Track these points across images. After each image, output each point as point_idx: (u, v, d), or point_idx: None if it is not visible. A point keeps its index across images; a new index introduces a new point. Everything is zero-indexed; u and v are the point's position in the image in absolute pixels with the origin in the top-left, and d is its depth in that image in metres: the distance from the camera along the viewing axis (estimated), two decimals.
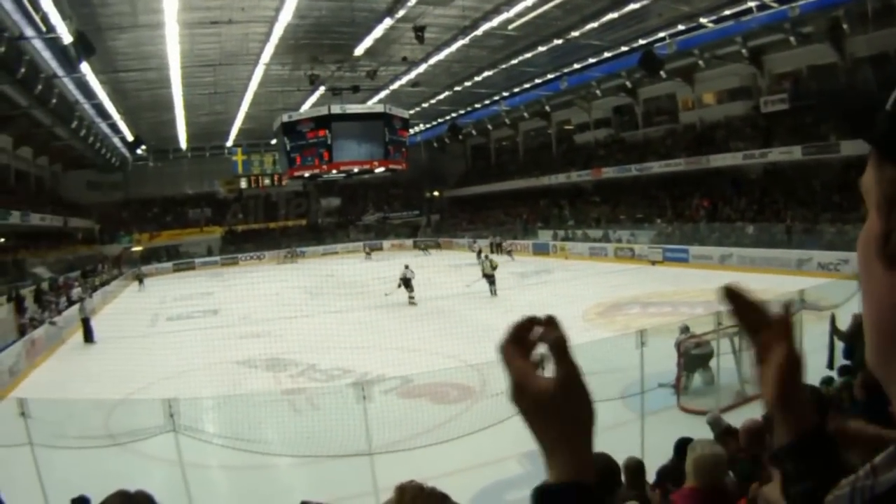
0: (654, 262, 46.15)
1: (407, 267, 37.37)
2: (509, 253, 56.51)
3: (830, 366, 13.87)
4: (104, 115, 55.66)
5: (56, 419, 14.19)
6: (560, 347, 1.40)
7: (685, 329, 18.07)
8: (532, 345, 1.44)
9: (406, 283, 36.98)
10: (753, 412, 8.96)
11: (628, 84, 57.16)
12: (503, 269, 40.00)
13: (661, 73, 48.73)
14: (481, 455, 14.49)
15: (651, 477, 8.97)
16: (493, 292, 36.91)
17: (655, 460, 9.45)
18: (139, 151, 71.26)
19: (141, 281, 48.45)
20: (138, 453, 14.61)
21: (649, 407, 14.25)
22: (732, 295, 1.67)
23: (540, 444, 1.44)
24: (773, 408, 1.60)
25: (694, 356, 17.66)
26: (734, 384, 16.77)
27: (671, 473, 8.34)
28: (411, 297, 36.55)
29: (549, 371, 1.41)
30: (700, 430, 9.17)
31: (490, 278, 37.52)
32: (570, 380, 1.40)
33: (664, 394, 16.58)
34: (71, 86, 46.30)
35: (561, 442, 1.41)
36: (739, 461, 6.79)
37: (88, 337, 33.84)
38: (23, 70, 38.03)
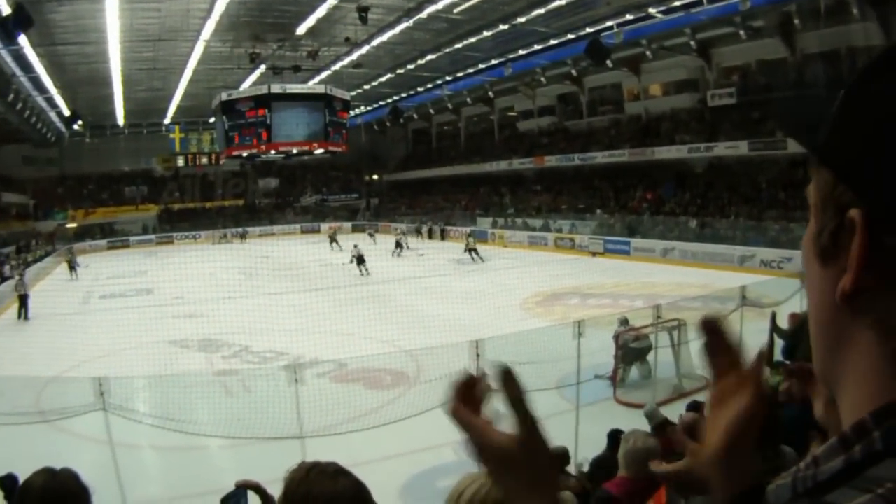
0: (594, 254, 46.00)
1: (356, 246, 38.88)
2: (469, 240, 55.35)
3: (769, 363, 13.79)
4: (41, 88, 54.78)
5: None
6: (519, 403, 1.34)
7: (624, 321, 18.04)
8: (480, 399, 1.40)
9: (360, 259, 38.81)
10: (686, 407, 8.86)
11: (574, 72, 56.84)
12: (440, 255, 39.95)
13: (608, 62, 48.56)
14: (415, 442, 14.43)
15: (585, 467, 9.21)
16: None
17: (589, 451, 9.65)
18: (76, 126, 70.34)
19: (73, 268, 47.05)
20: (68, 432, 14.55)
21: (585, 398, 14.27)
22: (710, 329, 1.45)
23: (506, 495, 1.38)
24: (715, 458, 1.43)
25: (632, 349, 17.58)
26: (671, 378, 16.73)
27: (604, 463, 8.38)
28: (364, 270, 38.67)
29: (504, 425, 1.37)
30: (634, 423, 8.95)
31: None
32: (531, 434, 1.35)
33: (600, 385, 16.56)
34: (8, 58, 45.44)
35: (524, 493, 1.36)
36: (673, 455, 6.58)
37: (24, 314, 33.24)
38: None
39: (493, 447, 1.34)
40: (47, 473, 3.09)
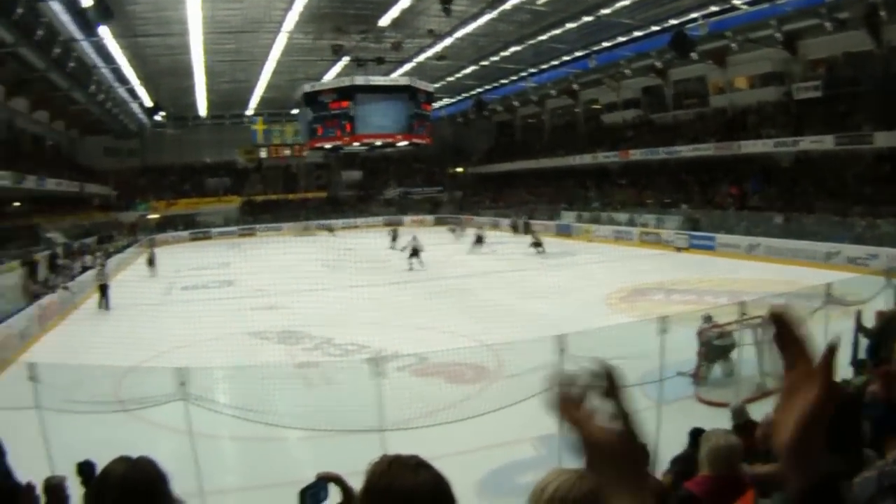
0: (679, 249, 45.33)
1: (414, 238, 38.08)
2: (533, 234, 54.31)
3: (853, 363, 13.42)
4: (123, 80, 55.70)
5: (65, 384, 14.08)
6: (618, 398, 1.51)
7: (708, 318, 17.73)
8: (581, 395, 1.52)
9: (414, 252, 38.29)
10: (772, 407, 8.57)
11: (658, 65, 56.32)
12: (524, 249, 39.76)
13: (693, 54, 47.94)
14: (494, 437, 14.33)
15: (664, 465, 8.79)
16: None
17: (670, 449, 9.27)
18: (158, 118, 71.43)
19: (152, 263, 47.02)
20: (147, 421, 14.58)
21: (667, 396, 13.96)
22: (779, 321, 1.53)
23: (604, 489, 1.50)
24: (786, 451, 1.46)
25: (715, 346, 17.28)
26: (754, 377, 16.29)
27: (685, 462, 8.21)
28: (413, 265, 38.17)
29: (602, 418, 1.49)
30: (716, 422, 8.72)
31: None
32: (628, 427, 1.48)
33: (682, 383, 16.20)
34: (89, 50, 46.15)
35: (620, 483, 1.47)
36: (755, 454, 6.42)
37: (105, 304, 33.55)
38: (40, 32, 37.82)
39: (594, 439, 1.48)
40: (126, 461, 3.04)
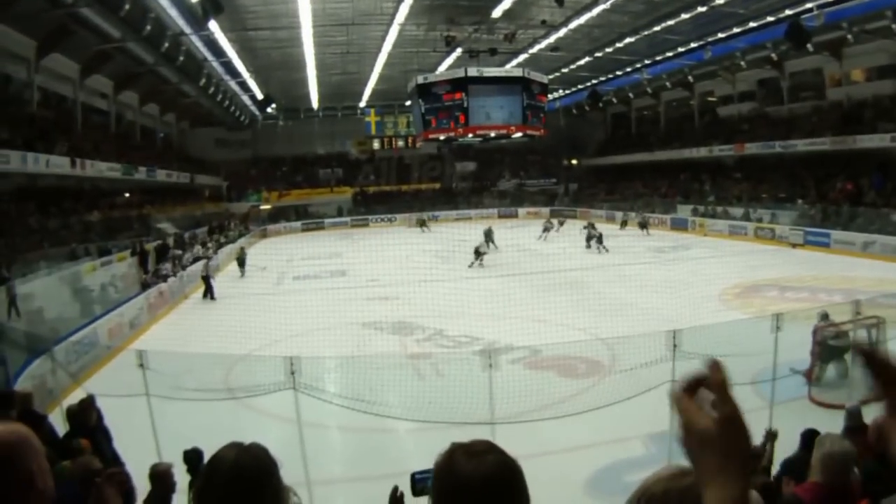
0: (794, 245, 44.54)
1: (489, 231, 38.38)
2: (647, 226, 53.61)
3: None
4: (233, 73, 56.39)
5: (174, 372, 14.58)
6: (721, 389, 1.56)
7: (825, 316, 17.34)
8: (691, 386, 1.61)
9: (477, 252, 37.90)
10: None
11: (774, 56, 55.11)
12: (640, 244, 39.43)
13: (808, 46, 46.96)
14: (605, 433, 14.44)
15: (775, 468, 8.81)
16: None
17: (781, 450, 9.28)
18: (269, 110, 72.21)
19: (242, 264, 46.06)
20: (255, 409, 14.90)
21: (779, 395, 13.75)
22: (866, 354, 1.71)
23: (700, 477, 1.55)
24: None
25: (831, 346, 16.81)
26: (868, 379, 15.88)
27: (796, 465, 7.90)
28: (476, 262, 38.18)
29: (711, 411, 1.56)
30: (829, 424, 8.59)
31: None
32: (731, 419, 1.52)
33: (795, 383, 15.93)
34: (199, 43, 46.81)
35: (720, 475, 1.51)
36: (865, 459, 6.27)
37: (209, 294, 34.27)
38: (148, 27, 38.47)
39: (696, 427, 1.55)
40: (238, 447, 3.04)
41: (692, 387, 1.62)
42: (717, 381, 1.57)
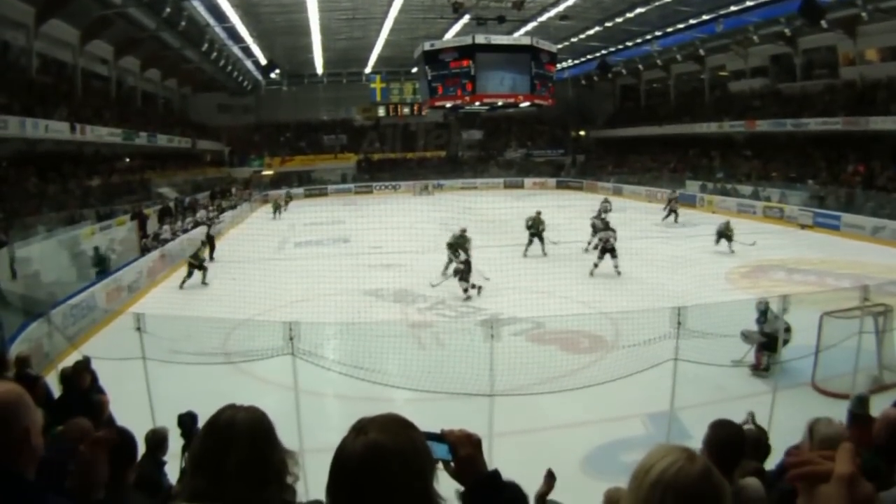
0: (803, 227, 44.03)
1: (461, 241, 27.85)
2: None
3: None
4: (236, 38, 56.42)
5: (172, 336, 14.47)
6: (848, 454, 1.65)
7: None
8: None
9: (461, 272, 26.22)
10: (888, 402, 8.14)
11: (787, 32, 54.49)
12: (647, 218, 39.24)
13: (822, 22, 46.51)
14: (605, 410, 14.45)
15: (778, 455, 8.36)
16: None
17: (785, 439, 8.78)
18: (273, 75, 72.07)
19: (278, 209, 47.14)
20: (252, 375, 15.17)
21: (783, 382, 13.89)
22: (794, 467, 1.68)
23: None
24: None
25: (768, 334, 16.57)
26: (872, 369, 15.76)
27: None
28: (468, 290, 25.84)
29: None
30: (833, 412, 8.22)
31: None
32: (846, 479, 1.60)
33: (800, 370, 15.66)
34: (201, 8, 46.73)
35: None
36: (864, 450, 6.05)
37: (211, 255, 34.45)
38: None
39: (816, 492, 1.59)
40: (235, 409, 3.03)
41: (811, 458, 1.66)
42: (847, 448, 1.65)
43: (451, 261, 26.49)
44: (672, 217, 44.29)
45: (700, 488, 2.11)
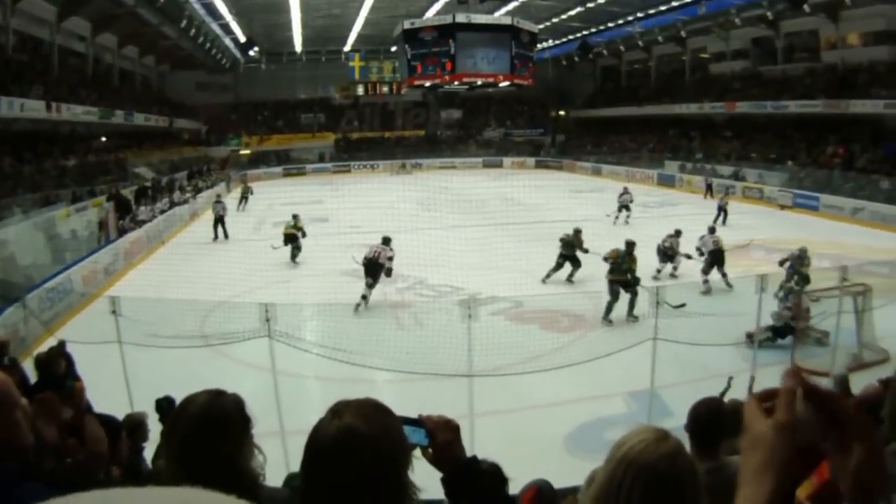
0: (782, 207, 44.42)
1: (385, 247, 24.05)
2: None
3: None
4: (215, 14, 56.13)
5: (149, 319, 14.39)
6: (787, 397, 1.57)
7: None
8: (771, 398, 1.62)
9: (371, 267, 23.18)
10: (868, 379, 8.14)
11: (769, 15, 54.67)
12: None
13: (805, 6, 46.61)
14: (586, 389, 14.51)
15: None
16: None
17: None
18: (251, 53, 71.63)
19: (244, 199, 45.91)
20: (231, 358, 15.04)
21: (762, 359, 14.05)
22: (812, 393, 1.62)
23: (741, 476, 1.56)
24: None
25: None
26: (852, 347, 15.93)
27: None
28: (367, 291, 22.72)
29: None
30: None
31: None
32: (783, 427, 1.53)
33: (780, 347, 16.00)
34: None
35: (757, 477, 1.52)
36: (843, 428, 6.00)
37: (223, 234, 34.88)
38: None
39: (752, 427, 1.55)
40: (212, 394, 3.02)
41: (766, 396, 1.62)
42: (786, 388, 1.58)
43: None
44: (721, 217, 37.85)
45: (661, 469, 2.15)
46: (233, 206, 40.84)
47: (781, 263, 19.97)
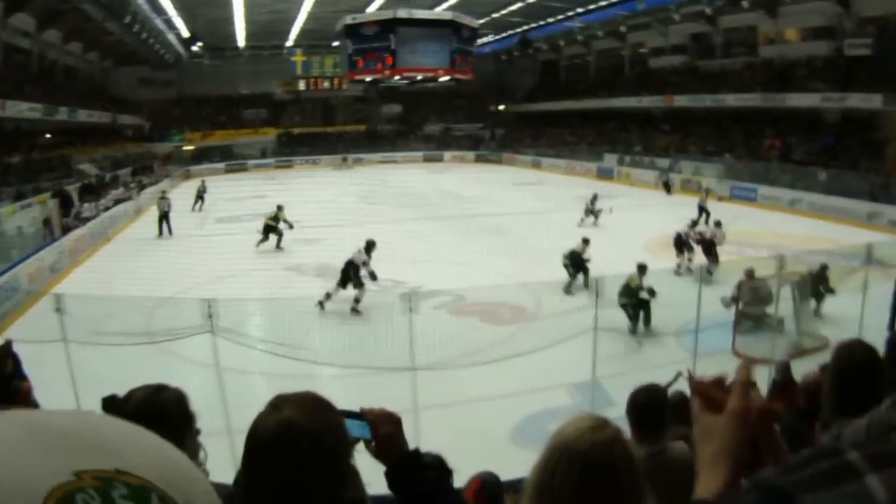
0: (720, 198, 44.34)
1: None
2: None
3: (892, 327, 13.15)
4: (159, 10, 55.88)
5: (94, 317, 14.33)
6: (741, 387, 1.62)
7: (750, 273, 17.39)
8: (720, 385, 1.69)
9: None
10: (809, 366, 8.35)
11: (708, 11, 55.17)
12: (566, 192, 39.25)
13: (744, 2, 47.13)
14: (530, 381, 14.30)
15: None
16: None
17: None
18: (194, 48, 71.30)
19: (201, 198, 44.79)
20: (177, 355, 14.74)
21: (703, 348, 14.03)
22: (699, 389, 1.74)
23: (698, 464, 1.62)
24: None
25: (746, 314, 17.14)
26: (791, 335, 16.17)
27: None
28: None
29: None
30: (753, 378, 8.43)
31: None
32: (737, 415, 1.58)
33: (719, 335, 15.92)
34: None
35: (714, 464, 1.57)
36: (788, 415, 6.20)
37: (167, 231, 34.31)
38: None
39: (706, 416, 1.62)
40: (152, 388, 3.09)
41: (715, 383, 1.68)
42: (740, 378, 1.63)
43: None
44: (704, 217, 37.96)
45: (594, 457, 2.15)
46: (187, 205, 40.61)
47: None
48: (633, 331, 17.25)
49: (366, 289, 20.57)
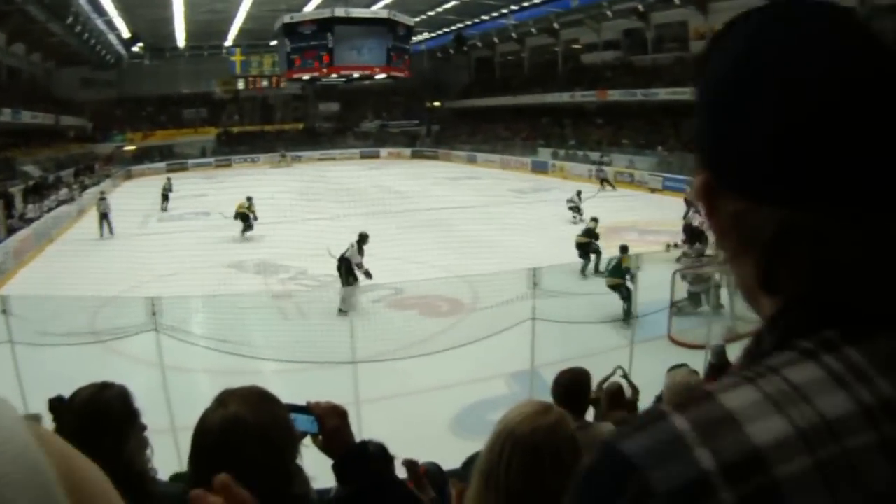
0: (653, 190, 45.45)
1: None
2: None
3: None
4: (100, 10, 55.25)
5: (40, 317, 14.16)
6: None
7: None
8: None
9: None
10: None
11: (640, 7, 56.10)
12: (502, 185, 39.49)
13: None
14: (468, 372, 14.51)
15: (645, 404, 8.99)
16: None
17: (644, 389, 9.58)
18: (135, 49, 70.80)
19: (166, 197, 42.88)
20: (123, 354, 14.63)
21: (640, 335, 14.22)
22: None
23: None
24: None
25: (690, 293, 17.74)
26: (726, 320, 16.54)
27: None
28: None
29: None
30: (688, 363, 8.86)
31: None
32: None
33: (655, 323, 16.19)
34: None
35: None
36: None
37: (110, 230, 34.14)
38: None
39: None
40: (97, 387, 3.16)
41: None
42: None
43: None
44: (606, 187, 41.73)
45: (538, 440, 2.27)
46: (131, 204, 40.30)
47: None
48: (629, 313, 17.50)
49: (358, 285, 20.73)
